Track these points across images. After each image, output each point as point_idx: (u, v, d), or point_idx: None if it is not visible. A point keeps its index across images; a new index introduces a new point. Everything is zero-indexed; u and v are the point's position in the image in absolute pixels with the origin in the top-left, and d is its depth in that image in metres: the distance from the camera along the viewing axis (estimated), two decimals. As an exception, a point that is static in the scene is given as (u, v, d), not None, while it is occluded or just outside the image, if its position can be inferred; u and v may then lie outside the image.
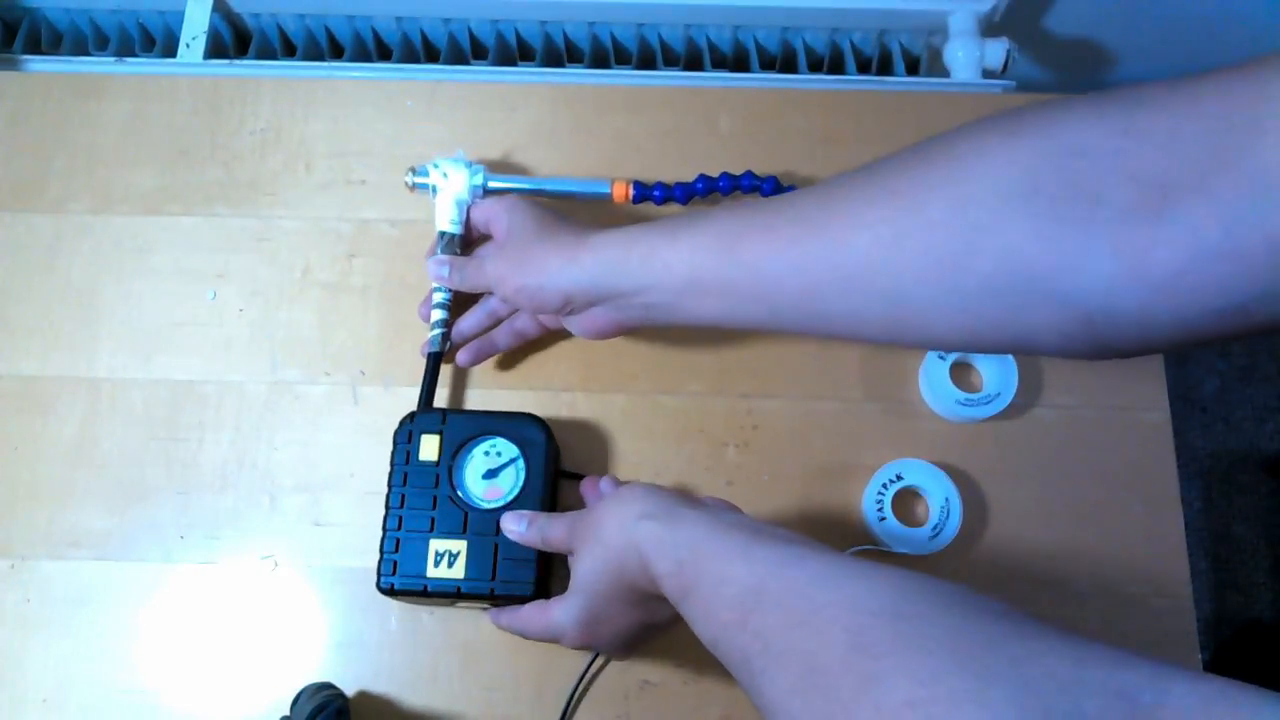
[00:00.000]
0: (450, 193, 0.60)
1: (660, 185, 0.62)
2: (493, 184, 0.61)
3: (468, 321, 0.60)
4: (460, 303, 0.62)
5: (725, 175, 0.62)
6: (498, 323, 0.60)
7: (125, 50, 0.76)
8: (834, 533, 0.58)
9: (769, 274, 0.44)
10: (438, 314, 0.59)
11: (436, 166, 0.60)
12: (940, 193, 0.39)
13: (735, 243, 0.45)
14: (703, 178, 0.62)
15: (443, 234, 0.60)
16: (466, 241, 0.60)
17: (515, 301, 0.54)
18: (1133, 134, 0.34)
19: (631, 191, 0.62)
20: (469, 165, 0.60)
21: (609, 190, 0.62)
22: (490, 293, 0.58)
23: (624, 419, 0.60)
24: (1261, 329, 0.33)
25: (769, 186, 0.62)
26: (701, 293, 0.47)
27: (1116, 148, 0.34)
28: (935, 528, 0.56)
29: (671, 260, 0.47)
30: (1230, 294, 0.32)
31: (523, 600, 0.52)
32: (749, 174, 0.62)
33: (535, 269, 0.52)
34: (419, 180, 0.60)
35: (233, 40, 0.76)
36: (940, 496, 0.56)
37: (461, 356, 0.60)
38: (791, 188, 0.62)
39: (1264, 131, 0.31)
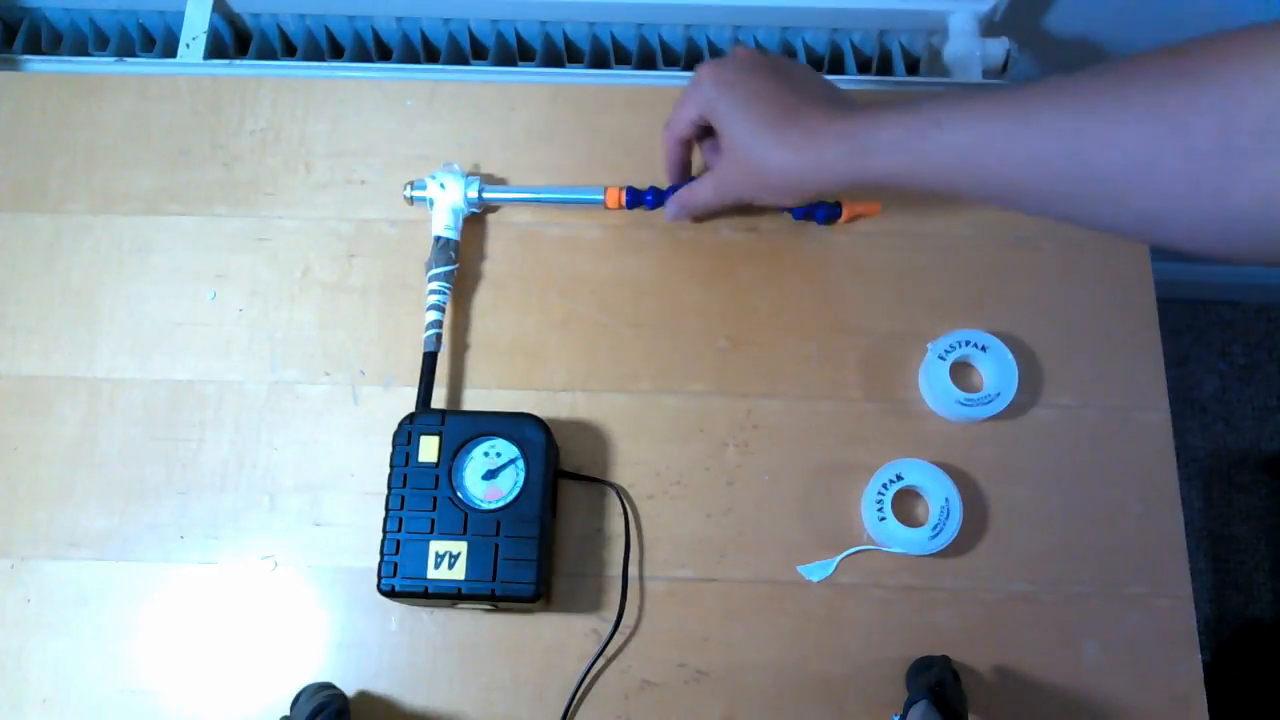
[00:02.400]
0: (447, 202, 0.61)
1: (653, 189, 0.62)
2: (488, 194, 0.63)
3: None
4: (457, 301, 0.62)
5: None
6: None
7: (125, 50, 0.76)
8: (834, 533, 0.58)
9: (1014, 170, 0.44)
10: (432, 314, 0.59)
11: (434, 178, 0.61)
12: (1208, 119, 0.37)
13: (987, 139, 0.45)
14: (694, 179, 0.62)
15: (438, 239, 0.61)
16: (460, 246, 0.61)
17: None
18: None
19: (624, 197, 0.62)
20: (464, 177, 0.61)
21: (602, 197, 0.62)
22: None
23: (624, 419, 0.60)
24: None
25: None
26: (954, 177, 0.47)
27: None
28: (935, 528, 0.56)
29: (936, 146, 0.46)
30: None
31: (524, 601, 0.52)
32: None
33: (775, 177, 0.51)
34: (417, 194, 0.62)
35: (233, 40, 0.76)
36: (940, 496, 0.56)
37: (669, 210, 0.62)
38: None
39: None
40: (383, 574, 0.53)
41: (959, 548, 0.57)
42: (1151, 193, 0.40)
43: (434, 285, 0.60)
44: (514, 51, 0.78)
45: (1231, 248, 0.40)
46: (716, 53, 0.77)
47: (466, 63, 0.78)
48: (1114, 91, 0.41)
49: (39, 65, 0.70)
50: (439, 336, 0.59)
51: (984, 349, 0.59)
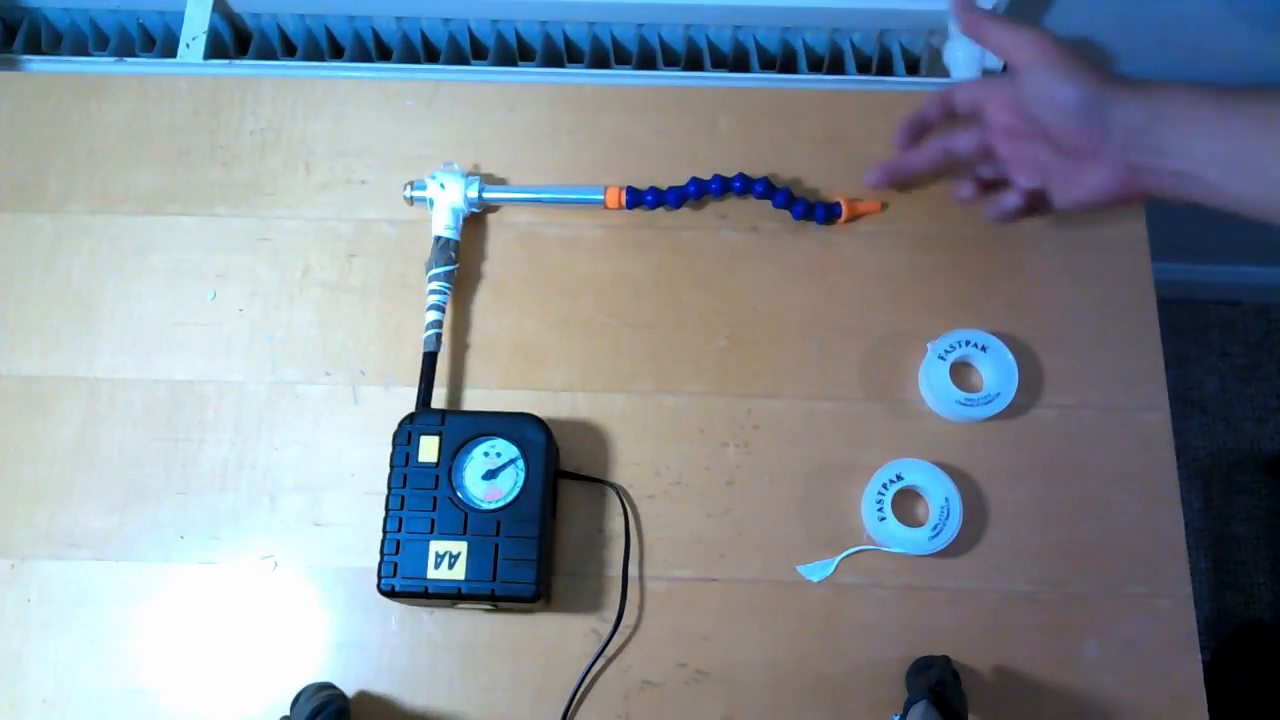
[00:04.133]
0: (447, 202, 0.61)
1: (653, 190, 0.63)
2: (488, 194, 0.63)
3: (914, 156, 0.59)
4: (457, 301, 0.62)
5: (717, 177, 0.62)
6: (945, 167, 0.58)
7: (125, 50, 0.76)
8: (834, 533, 0.58)
9: None
10: (432, 314, 0.59)
11: (434, 178, 0.61)
12: None
13: None
14: (695, 180, 0.63)
15: (439, 238, 0.61)
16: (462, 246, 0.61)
17: (1025, 105, 0.51)
18: None
19: (624, 197, 0.62)
20: (464, 177, 0.61)
21: (602, 197, 0.62)
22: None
23: (624, 419, 0.60)
24: None
25: (760, 188, 0.62)
26: (1248, 174, 0.44)
27: None
28: (935, 528, 0.56)
29: (1216, 129, 0.44)
30: None
31: (524, 601, 0.52)
32: (741, 176, 0.62)
33: (1068, 80, 0.49)
34: (417, 194, 0.62)
35: (233, 40, 0.76)
36: (940, 496, 0.56)
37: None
38: (784, 189, 0.62)
39: None
40: (383, 574, 0.53)
41: (959, 548, 0.57)
42: None
43: (434, 285, 0.60)
44: (514, 51, 0.78)
45: None
46: (717, 52, 0.77)
47: (466, 63, 0.78)
48: None
49: (39, 65, 0.70)
50: (439, 336, 0.59)
51: (984, 349, 0.59)
